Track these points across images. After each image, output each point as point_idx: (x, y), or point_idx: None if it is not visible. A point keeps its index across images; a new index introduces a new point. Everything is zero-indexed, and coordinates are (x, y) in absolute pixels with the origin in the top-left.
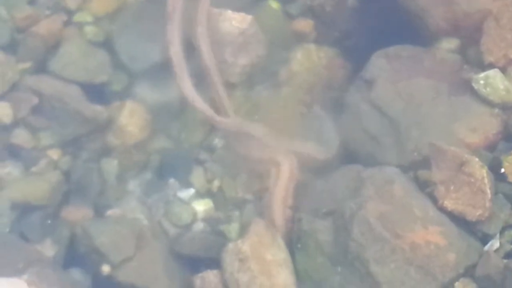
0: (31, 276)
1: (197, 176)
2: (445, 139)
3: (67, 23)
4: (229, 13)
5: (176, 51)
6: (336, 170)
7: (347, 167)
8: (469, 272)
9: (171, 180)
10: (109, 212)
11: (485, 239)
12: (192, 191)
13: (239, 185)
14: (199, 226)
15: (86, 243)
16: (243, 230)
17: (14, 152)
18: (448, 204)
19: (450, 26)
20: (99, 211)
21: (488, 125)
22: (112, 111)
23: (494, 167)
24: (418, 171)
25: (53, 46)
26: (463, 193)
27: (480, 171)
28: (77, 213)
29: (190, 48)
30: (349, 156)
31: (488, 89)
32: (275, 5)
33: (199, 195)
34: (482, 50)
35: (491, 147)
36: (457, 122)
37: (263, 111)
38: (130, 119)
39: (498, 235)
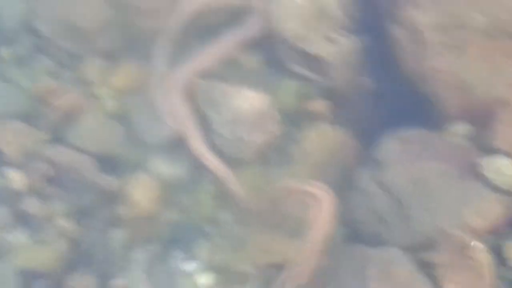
0: None
1: (203, 249)
2: (451, 222)
3: (87, 96)
4: (246, 91)
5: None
6: (341, 249)
7: (352, 246)
8: None
9: (177, 252)
10: (114, 283)
11: None
12: (196, 264)
13: (244, 260)
14: None
15: None
16: None
17: (25, 219)
18: (450, 287)
19: (463, 111)
20: (104, 281)
21: (494, 210)
22: (124, 183)
23: (497, 252)
24: (422, 252)
25: (72, 117)
26: (465, 277)
27: (483, 256)
28: (81, 282)
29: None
30: (354, 234)
31: (497, 175)
32: (292, 85)
33: (203, 268)
34: (494, 136)
35: (495, 232)
36: (464, 206)
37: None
38: (142, 191)
39: None
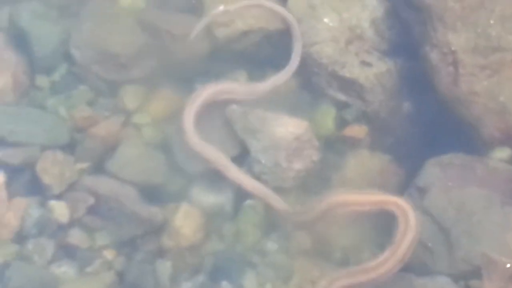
0: None
1: (250, 279)
2: (496, 249)
3: (125, 124)
4: (285, 118)
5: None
6: (388, 278)
7: (400, 275)
8: None
9: (224, 283)
10: None
11: None
12: None
13: None
14: None
15: None
16: None
17: (69, 252)
18: None
19: (503, 136)
20: None
21: None
22: (167, 213)
23: None
24: (469, 281)
25: (111, 146)
26: None
27: None
28: None
29: None
30: None
31: None
32: (330, 110)
33: None
34: None
35: None
36: (509, 233)
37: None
38: (185, 221)
39: None
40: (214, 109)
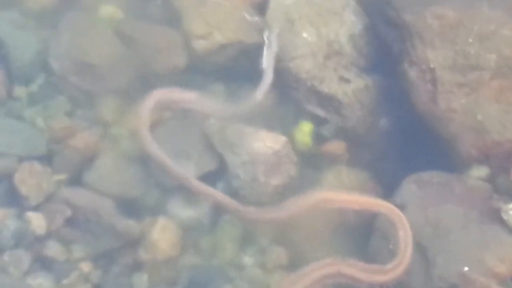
0: None
1: None
2: (473, 267)
3: (103, 136)
4: (263, 132)
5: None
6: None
7: None
8: None
9: None
10: None
11: None
12: None
13: None
14: None
15: None
16: None
17: (46, 264)
18: None
19: (481, 154)
20: None
21: None
22: (144, 226)
23: None
24: None
25: (89, 158)
26: None
27: None
28: None
29: None
30: None
31: None
32: (307, 126)
33: None
34: None
35: None
36: (486, 251)
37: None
38: (162, 234)
39: None
40: (191, 123)
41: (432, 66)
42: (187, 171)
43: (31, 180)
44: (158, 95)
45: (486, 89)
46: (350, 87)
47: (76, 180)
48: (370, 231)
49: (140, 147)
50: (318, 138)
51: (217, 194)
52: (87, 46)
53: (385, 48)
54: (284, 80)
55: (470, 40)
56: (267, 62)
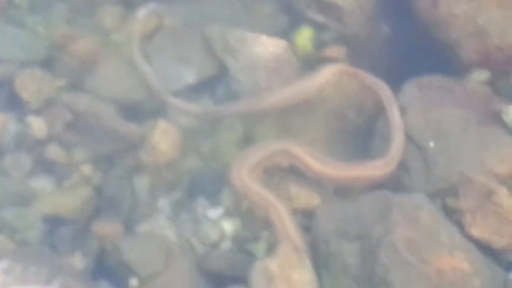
0: (60, 286)
1: (227, 195)
2: (473, 168)
3: (104, 42)
4: (264, 38)
5: None
6: (365, 195)
7: (376, 192)
8: None
9: (201, 199)
10: (139, 228)
11: (510, 267)
12: (221, 210)
13: None
14: (227, 244)
15: (116, 257)
16: (271, 250)
17: (47, 167)
18: (475, 232)
19: (482, 58)
20: (129, 227)
21: None
22: (145, 129)
23: None
24: (446, 199)
25: (90, 64)
26: (490, 222)
27: (507, 201)
28: (107, 228)
29: None
30: None
31: None
32: (307, 31)
33: (228, 214)
34: None
35: None
36: (486, 152)
37: (294, 135)
38: (162, 138)
39: None
40: (192, 29)
41: None
42: (165, 90)
43: (32, 85)
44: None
45: None
46: None
47: (77, 85)
48: (371, 134)
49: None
50: (319, 44)
51: (194, 106)
52: None
53: None
54: None
55: None
56: None
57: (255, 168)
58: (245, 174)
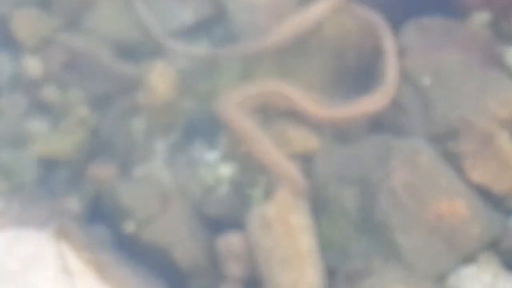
0: (56, 229)
1: (224, 138)
2: (474, 112)
3: None
4: None
5: None
6: (364, 138)
7: (376, 136)
8: (493, 245)
9: (198, 142)
10: (135, 171)
11: (510, 213)
12: (218, 153)
13: None
14: (224, 188)
15: (112, 200)
16: (269, 194)
17: (43, 108)
18: (475, 176)
19: (483, 1)
20: (125, 169)
21: None
22: (142, 70)
23: None
24: (446, 143)
25: (87, 3)
26: (490, 167)
27: (509, 145)
28: (103, 170)
29: None
30: (375, 124)
31: None
32: None
33: (226, 157)
34: None
35: None
36: (487, 96)
37: (293, 77)
38: (160, 78)
39: None
40: None
41: None
42: (163, 34)
43: (27, 24)
44: None
45: None
46: None
47: (74, 25)
48: (371, 76)
49: None
50: None
51: (194, 49)
52: None
53: None
54: None
55: None
56: None
57: (245, 102)
58: (232, 106)
